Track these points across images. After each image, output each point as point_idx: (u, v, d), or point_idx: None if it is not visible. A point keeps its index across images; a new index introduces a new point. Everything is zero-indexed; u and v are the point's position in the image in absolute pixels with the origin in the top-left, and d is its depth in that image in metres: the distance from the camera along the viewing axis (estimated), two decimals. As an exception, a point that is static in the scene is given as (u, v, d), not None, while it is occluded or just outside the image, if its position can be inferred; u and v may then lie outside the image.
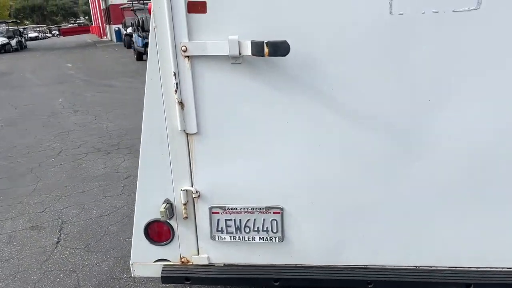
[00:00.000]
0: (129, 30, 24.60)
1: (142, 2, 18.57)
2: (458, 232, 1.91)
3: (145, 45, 16.84)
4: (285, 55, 1.67)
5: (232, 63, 1.79)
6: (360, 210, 1.93)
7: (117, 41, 34.57)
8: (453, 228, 1.91)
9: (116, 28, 34.40)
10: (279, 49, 1.66)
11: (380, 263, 2.00)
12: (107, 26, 42.73)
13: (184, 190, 1.98)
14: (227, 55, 1.75)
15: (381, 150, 1.83)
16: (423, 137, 1.79)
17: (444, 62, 1.69)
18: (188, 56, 1.79)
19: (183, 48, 1.77)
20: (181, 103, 1.85)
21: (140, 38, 17.76)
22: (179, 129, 1.89)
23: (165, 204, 2.00)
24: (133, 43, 20.99)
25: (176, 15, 1.74)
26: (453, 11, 1.64)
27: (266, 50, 1.66)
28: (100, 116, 8.35)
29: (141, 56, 18.57)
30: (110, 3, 36.55)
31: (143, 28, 17.53)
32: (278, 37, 1.70)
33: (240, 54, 1.73)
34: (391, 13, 1.67)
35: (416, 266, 2.00)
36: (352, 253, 2.00)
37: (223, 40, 1.75)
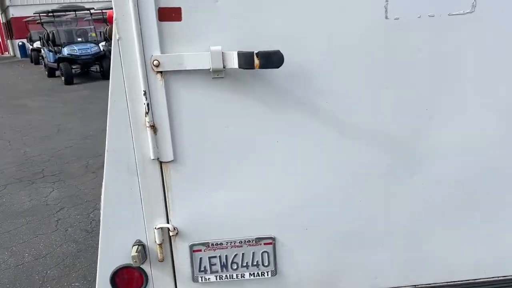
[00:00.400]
0: (36, 44, 22.94)
1: (52, 14, 17.33)
2: (456, 246, 1.83)
3: (58, 60, 15.74)
4: (278, 67, 1.46)
5: (213, 78, 1.55)
6: (358, 232, 1.78)
7: (22, 57, 32.00)
8: (452, 243, 1.82)
9: (20, 43, 31.94)
10: (272, 60, 1.45)
11: (380, 285, 1.86)
12: (9, 41, 39.54)
13: (159, 228, 1.69)
14: (208, 69, 1.51)
15: (380, 167, 1.69)
16: (422, 150, 1.68)
17: (441, 67, 1.60)
18: (160, 72, 1.52)
19: (155, 62, 1.49)
20: (153, 127, 1.57)
21: (51, 53, 16.55)
22: (152, 158, 1.60)
23: (137, 246, 1.69)
24: (42, 59, 19.56)
25: (145, 23, 1.47)
26: (448, 14, 1.55)
27: (256, 62, 1.45)
28: (15, 141, 7.51)
29: (53, 72, 17.33)
30: (11, 16, 33.82)
31: (54, 42, 16.38)
32: (266, 46, 1.50)
33: (224, 67, 1.49)
34: (386, 17, 1.54)
35: (415, 286, 1.88)
36: (351, 280, 1.83)
37: (203, 51, 1.50)
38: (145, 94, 1.52)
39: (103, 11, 17.85)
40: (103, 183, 1.66)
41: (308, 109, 1.61)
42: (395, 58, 1.58)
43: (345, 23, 1.53)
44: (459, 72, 1.60)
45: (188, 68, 1.51)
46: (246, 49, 1.50)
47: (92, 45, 16.25)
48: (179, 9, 1.48)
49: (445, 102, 1.63)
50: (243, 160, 1.65)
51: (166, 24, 1.49)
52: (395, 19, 1.54)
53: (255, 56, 1.44)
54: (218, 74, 1.54)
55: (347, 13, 1.53)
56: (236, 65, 1.48)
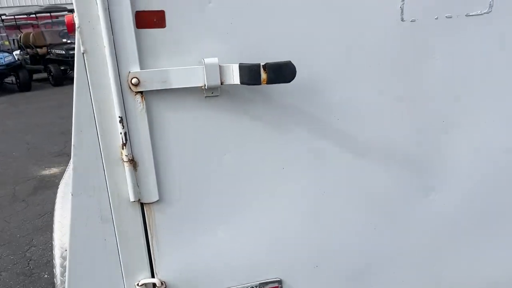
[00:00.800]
0: None
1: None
2: (475, 268, 1.68)
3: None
4: (290, 81, 1.21)
5: (206, 96, 1.26)
6: (373, 264, 1.57)
7: None
8: (467, 263, 1.67)
9: None
10: (283, 73, 1.19)
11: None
12: None
13: (142, 284, 1.36)
14: (201, 86, 1.21)
15: (395, 190, 1.49)
16: (441, 167, 1.51)
17: (459, 73, 1.43)
18: (141, 93, 1.20)
19: (133, 80, 1.17)
20: (132, 162, 1.24)
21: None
22: (132, 200, 1.27)
23: (115, 310, 1.36)
24: None
25: (119, 32, 1.15)
26: (466, 15, 1.39)
27: (263, 76, 1.18)
28: None
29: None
30: None
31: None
32: (269, 57, 1.24)
33: (221, 83, 1.21)
34: (402, 20, 1.34)
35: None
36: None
37: (194, 65, 1.21)
38: (121, 121, 1.20)
39: (16, 17, 16.47)
40: (69, 235, 1.30)
41: (318, 128, 1.37)
42: (410, 64, 1.39)
43: (358, 27, 1.32)
44: (479, 79, 1.44)
45: (175, 86, 1.20)
46: (245, 60, 1.24)
47: (6, 54, 14.84)
48: (162, 12, 1.17)
49: (463, 113, 1.47)
50: (244, 194, 1.37)
51: (146, 32, 1.18)
52: (411, 21, 1.35)
53: (261, 70, 1.18)
54: (213, 92, 1.26)
55: (359, 15, 1.31)
56: (237, 81, 1.20)
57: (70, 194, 1.26)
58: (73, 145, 1.22)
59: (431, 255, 1.61)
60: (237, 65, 1.19)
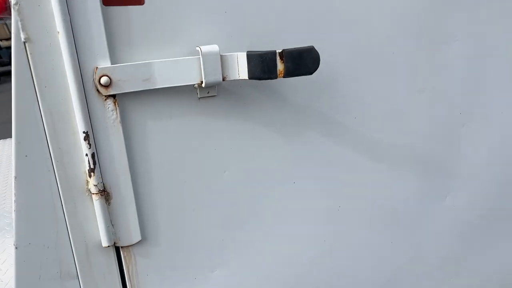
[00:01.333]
0: None
1: None
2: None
3: None
4: (312, 72, 0.93)
5: (201, 98, 0.95)
6: (393, 279, 1.35)
7: None
8: (487, 267, 1.52)
9: None
10: (305, 62, 0.91)
11: None
12: None
13: None
14: (195, 84, 0.90)
15: (414, 198, 1.28)
16: (459, 170, 1.33)
17: (480, 58, 1.25)
18: (113, 96, 0.86)
19: (103, 80, 0.83)
20: (104, 193, 0.90)
21: None
22: (105, 244, 0.92)
23: None
24: None
25: (79, 11, 0.80)
26: (485, -8, 1.21)
27: (280, 67, 0.90)
28: None
29: None
30: None
31: None
32: (277, 43, 0.96)
33: (223, 79, 0.91)
34: (422, -4, 1.13)
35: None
36: None
37: (184, 55, 0.89)
38: (87, 138, 0.85)
39: None
40: (13, 304, 0.91)
41: (335, 130, 1.11)
42: (430, 49, 1.18)
43: (379, 10, 1.08)
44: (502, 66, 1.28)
45: (161, 85, 0.88)
46: (248, 48, 0.95)
47: None
48: (138, -17, 0.84)
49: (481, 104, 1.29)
50: (249, 219, 1.08)
51: (118, 11, 0.84)
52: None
53: (278, 58, 0.89)
54: (209, 91, 0.95)
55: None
56: (244, 75, 0.90)
57: (14, 247, 0.88)
58: (15, 177, 0.84)
59: (449, 262, 1.44)
60: (245, 53, 0.89)
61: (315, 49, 0.91)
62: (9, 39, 13.18)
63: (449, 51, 1.19)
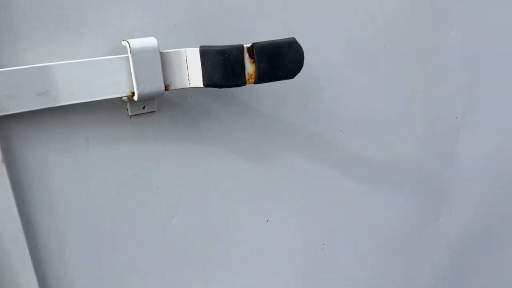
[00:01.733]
0: None
1: None
2: None
3: None
4: (294, 76, 0.65)
5: (132, 115, 0.64)
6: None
7: None
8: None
9: None
10: (283, 61, 0.63)
11: None
12: None
13: None
14: (124, 97, 0.59)
15: (407, 220, 1.06)
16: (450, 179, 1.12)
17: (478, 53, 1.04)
18: (-14, 122, 0.53)
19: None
20: (-17, 272, 0.57)
21: None
22: None
23: None
24: None
25: None
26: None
27: (250, 69, 0.61)
28: None
29: None
30: None
31: None
32: (236, 38, 0.68)
33: (166, 88, 0.61)
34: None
35: None
36: None
37: (103, 54, 0.58)
38: None
39: None
40: None
41: (315, 149, 0.84)
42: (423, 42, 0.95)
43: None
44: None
45: (66, 101, 0.56)
46: (204, 42, 0.66)
47: None
48: None
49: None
50: (212, 276, 0.79)
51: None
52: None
53: (246, 56, 0.60)
54: (146, 106, 0.64)
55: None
56: (198, 81, 0.61)
57: None
58: None
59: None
60: (197, 49, 0.60)
61: (297, 43, 0.64)
62: None
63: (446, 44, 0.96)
